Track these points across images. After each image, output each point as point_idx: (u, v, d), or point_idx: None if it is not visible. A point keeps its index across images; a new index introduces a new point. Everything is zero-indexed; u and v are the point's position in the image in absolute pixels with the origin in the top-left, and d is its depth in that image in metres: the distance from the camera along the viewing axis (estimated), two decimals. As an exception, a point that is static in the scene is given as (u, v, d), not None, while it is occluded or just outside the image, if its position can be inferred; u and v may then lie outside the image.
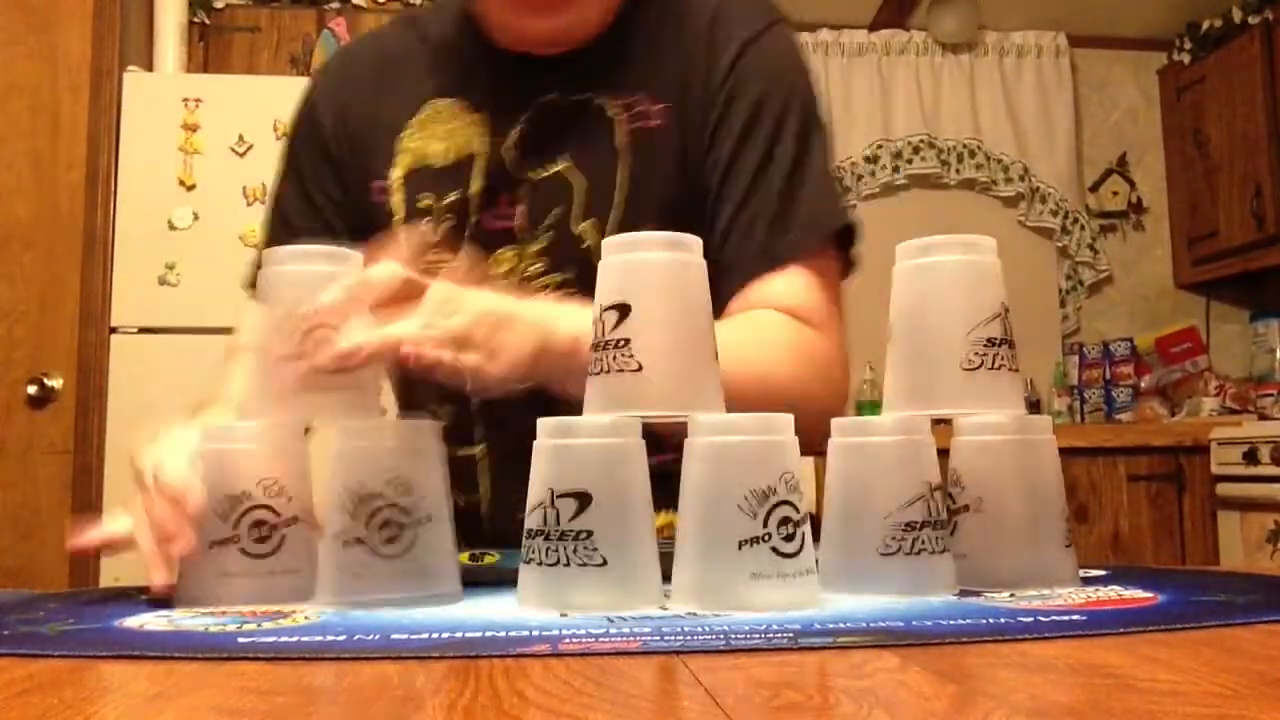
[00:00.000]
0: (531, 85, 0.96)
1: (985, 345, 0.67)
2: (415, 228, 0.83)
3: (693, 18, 0.98)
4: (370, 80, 1.02)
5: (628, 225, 0.90)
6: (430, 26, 1.04)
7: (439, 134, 0.97)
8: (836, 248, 0.95)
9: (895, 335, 0.70)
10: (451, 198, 0.95)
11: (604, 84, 0.95)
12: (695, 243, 0.68)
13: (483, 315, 0.70)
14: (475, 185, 0.95)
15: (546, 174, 0.94)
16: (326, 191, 1.01)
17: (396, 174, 0.97)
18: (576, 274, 0.92)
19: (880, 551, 0.65)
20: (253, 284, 1.01)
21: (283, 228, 1.03)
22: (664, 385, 0.64)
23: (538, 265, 0.94)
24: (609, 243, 0.68)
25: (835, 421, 0.69)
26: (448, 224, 0.95)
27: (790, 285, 0.91)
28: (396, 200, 0.97)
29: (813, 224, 0.93)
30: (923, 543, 0.65)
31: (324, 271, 0.69)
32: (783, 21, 1.00)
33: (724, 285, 0.88)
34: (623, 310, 0.65)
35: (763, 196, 0.92)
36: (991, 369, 0.67)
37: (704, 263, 0.68)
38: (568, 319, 0.74)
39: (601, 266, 0.68)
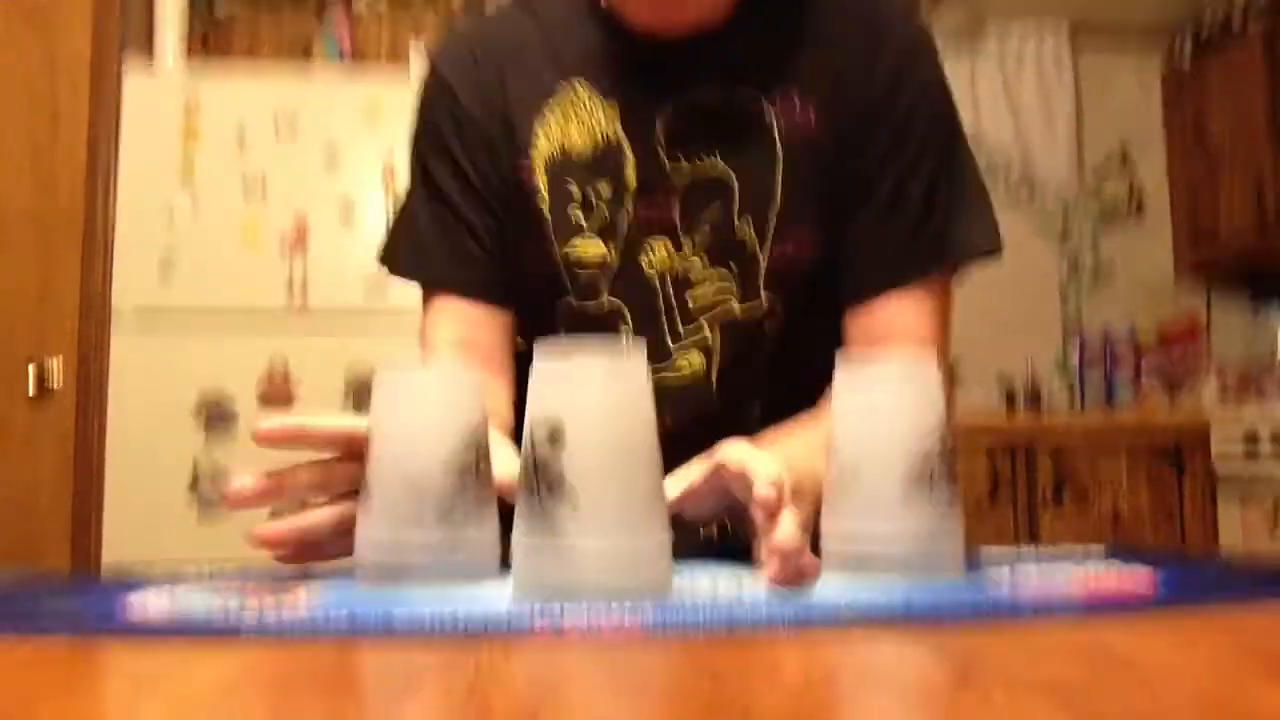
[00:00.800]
0: (667, 72, 0.94)
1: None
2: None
3: (838, 16, 0.96)
4: (498, 65, 0.99)
5: (785, 226, 0.91)
6: (541, 8, 1.02)
7: (575, 121, 0.95)
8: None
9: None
10: (604, 188, 0.94)
11: (748, 76, 0.93)
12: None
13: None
14: (630, 177, 0.93)
15: (703, 170, 0.92)
16: (483, 172, 0.98)
17: (539, 158, 0.95)
18: (737, 271, 0.92)
19: (901, 484, 0.63)
20: (386, 259, 1.03)
21: (445, 210, 0.99)
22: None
23: (697, 262, 0.93)
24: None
25: (842, 357, 0.67)
26: (602, 214, 0.94)
27: (916, 313, 0.92)
28: (544, 185, 0.95)
29: (948, 244, 0.94)
30: (939, 474, 0.64)
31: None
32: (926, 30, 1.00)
33: (849, 281, 0.92)
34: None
35: (904, 209, 0.92)
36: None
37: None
38: None
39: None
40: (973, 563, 0.69)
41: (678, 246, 0.93)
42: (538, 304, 0.96)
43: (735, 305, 0.93)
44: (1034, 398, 3.64)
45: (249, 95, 2.75)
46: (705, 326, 0.94)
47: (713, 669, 0.42)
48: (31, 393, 2.57)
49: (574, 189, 0.94)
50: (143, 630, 0.51)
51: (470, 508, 0.64)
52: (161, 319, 2.67)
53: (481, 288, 0.98)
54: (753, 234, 0.91)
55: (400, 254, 1.03)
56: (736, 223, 0.92)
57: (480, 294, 0.98)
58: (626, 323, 0.95)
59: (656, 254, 0.93)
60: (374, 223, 2.76)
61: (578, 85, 0.96)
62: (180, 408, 2.65)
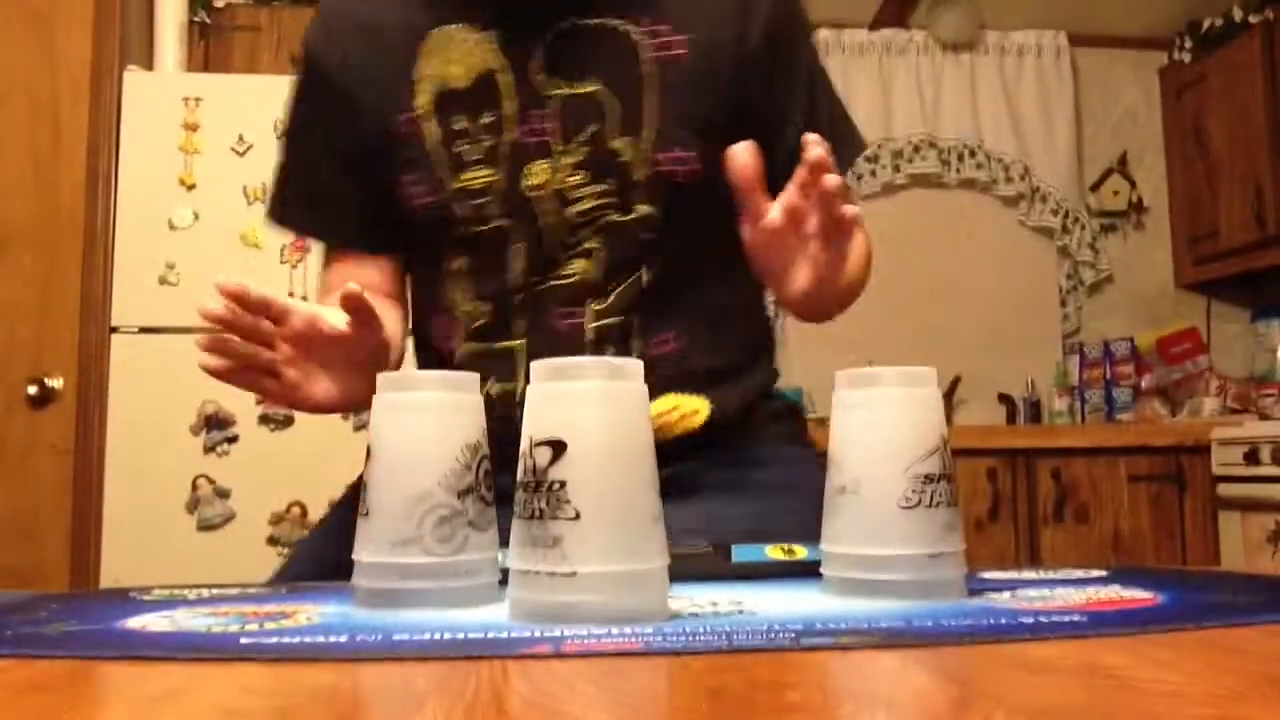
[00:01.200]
0: (541, 3, 0.99)
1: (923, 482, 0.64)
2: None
3: None
4: (364, 19, 1.04)
5: (663, 143, 0.97)
6: None
7: (453, 57, 1.00)
8: None
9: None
10: (486, 117, 0.98)
11: (619, 6, 0.99)
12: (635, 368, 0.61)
13: None
14: (509, 105, 0.98)
15: (577, 91, 0.98)
16: (344, 135, 1.04)
17: (422, 102, 1.00)
18: (616, 185, 0.97)
19: (900, 505, 0.63)
20: (275, 216, 1.11)
21: (303, 172, 1.08)
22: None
23: (575, 177, 0.98)
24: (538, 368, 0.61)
25: (841, 374, 0.67)
26: (485, 143, 0.99)
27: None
28: (429, 128, 1.00)
29: (855, 141, 1.11)
30: (939, 496, 0.64)
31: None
32: None
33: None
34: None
35: (818, 118, 1.04)
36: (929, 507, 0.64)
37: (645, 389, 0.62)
38: None
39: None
40: (973, 584, 0.69)
41: (556, 164, 0.98)
42: (434, 237, 1.02)
43: (615, 216, 0.98)
44: (1034, 412, 3.64)
45: (249, 102, 2.75)
46: (590, 237, 0.99)
47: (711, 689, 0.42)
48: (30, 409, 2.57)
49: (458, 123, 1.00)
50: (144, 652, 0.51)
51: (470, 529, 0.64)
52: (161, 333, 2.66)
53: (358, 241, 1.08)
54: (628, 149, 0.97)
55: (288, 211, 1.11)
56: (611, 139, 0.98)
57: (358, 246, 1.08)
58: (515, 242, 0.99)
59: (536, 174, 0.98)
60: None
61: (454, 25, 1.01)
62: (180, 424, 2.64)
